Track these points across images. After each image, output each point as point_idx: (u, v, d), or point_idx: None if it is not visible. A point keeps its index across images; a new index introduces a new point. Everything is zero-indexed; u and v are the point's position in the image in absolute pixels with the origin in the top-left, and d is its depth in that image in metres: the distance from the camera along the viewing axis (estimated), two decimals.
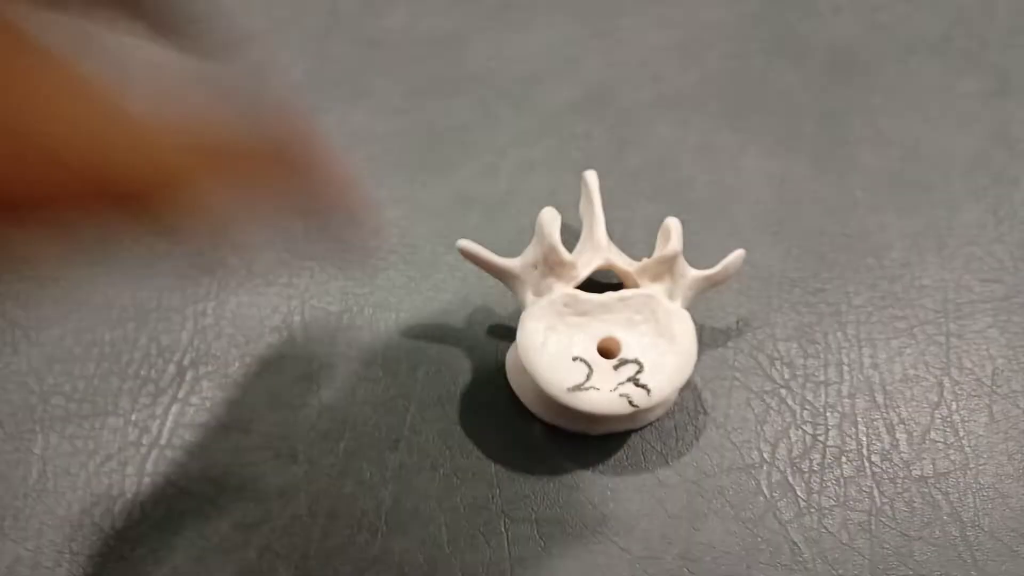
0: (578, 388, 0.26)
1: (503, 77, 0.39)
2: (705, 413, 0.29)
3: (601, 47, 0.40)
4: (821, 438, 0.29)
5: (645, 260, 0.28)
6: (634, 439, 0.29)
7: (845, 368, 0.30)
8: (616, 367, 0.26)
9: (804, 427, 0.29)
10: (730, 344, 0.31)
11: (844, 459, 0.28)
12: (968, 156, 0.36)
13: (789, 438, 0.29)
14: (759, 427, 0.29)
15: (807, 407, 0.29)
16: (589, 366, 0.26)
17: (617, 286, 0.29)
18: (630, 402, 0.25)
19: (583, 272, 0.28)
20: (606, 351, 0.27)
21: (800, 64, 0.39)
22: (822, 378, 0.30)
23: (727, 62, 0.40)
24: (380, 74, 0.39)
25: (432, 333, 0.31)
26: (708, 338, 0.31)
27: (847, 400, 0.29)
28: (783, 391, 0.29)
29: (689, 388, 0.30)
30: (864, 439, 0.29)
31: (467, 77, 0.39)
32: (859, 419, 0.29)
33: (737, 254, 0.28)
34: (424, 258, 0.33)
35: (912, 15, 0.41)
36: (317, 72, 0.40)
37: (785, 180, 0.35)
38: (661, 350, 0.26)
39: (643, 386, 0.26)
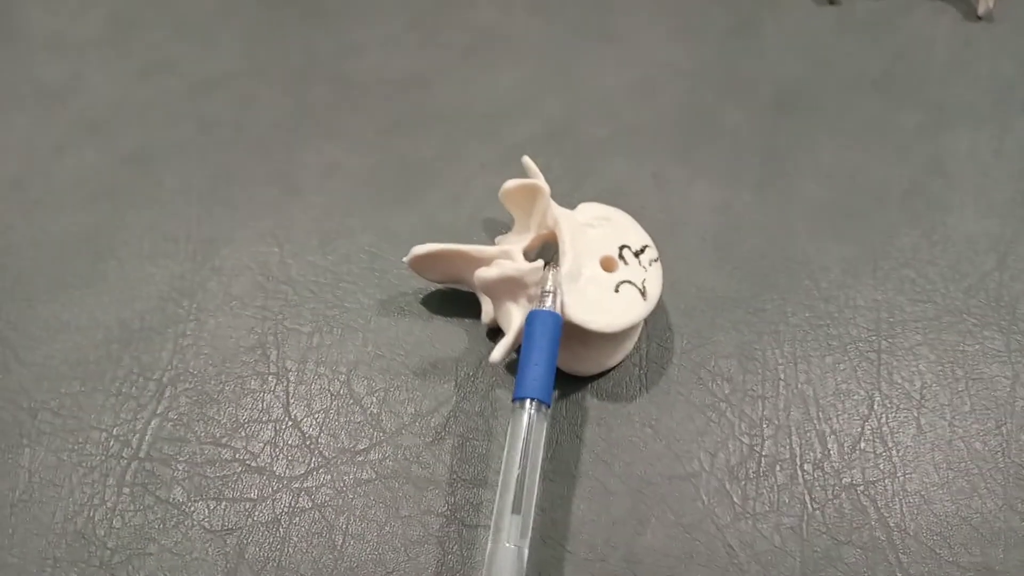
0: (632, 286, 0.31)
1: (469, 114, 0.42)
2: (650, 425, 0.31)
3: (562, 86, 0.43)
4: (757, 448, 0.31)
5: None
6: (583, 450, 0.31)
7: (781, 383, 0.32)
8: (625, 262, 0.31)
9: (741, 438, 0.31)
10: (675, 361, 0.33)
11: (778, 468, 0.30)
12: (904, 185, 0.38)
13: (727, 448, 0.31)
14: (699, 438, 0.31)
15: (744, 419, 0.31)
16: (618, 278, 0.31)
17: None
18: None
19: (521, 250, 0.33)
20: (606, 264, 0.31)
21: (748, 102, 0.42)
22: (759, 392, 0.32)
23: (680, 100, 0.42)
24: (354, 112, 0.42)
25: (399, 352, 0.33)
26: (655, 355, 0.33)
27: (782, 413, 0.31)
28: (722, 404, 0.32)
29: (632, 400, 0.32)
30: (797, 449, 0.30)
31: (435, 115, 0.42)
32: (793, 430, 0.31)
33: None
34: (391, 281, 0.35)
35: (855, 54, 0.44)
36: (296, 110, 0.42)
37: (730, 209, 0.38)
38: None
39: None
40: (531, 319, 0.29)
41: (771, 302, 0.34)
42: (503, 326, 0.31)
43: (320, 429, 0.31)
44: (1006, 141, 0.40)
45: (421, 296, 0.35)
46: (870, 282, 0.35)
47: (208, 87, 0.44)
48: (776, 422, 0.31)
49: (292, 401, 0.32)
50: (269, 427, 0.31)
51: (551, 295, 0.30)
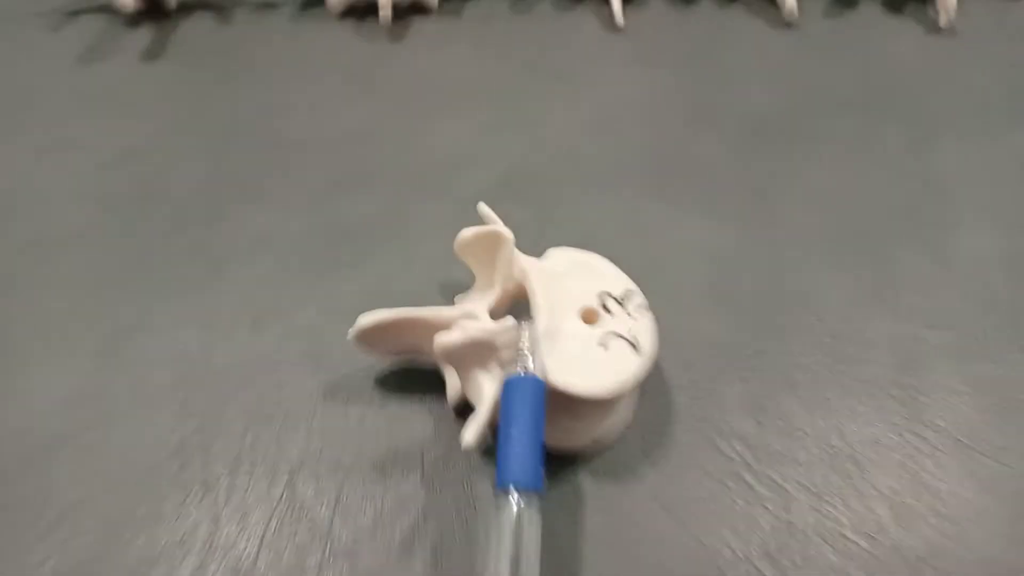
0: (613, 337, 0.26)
1: (413, 169, 0.37)
2: (660, 503, 0.26)
3: (514, 130, 0.39)
4: (794, 520, 0.25)
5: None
6: (583, 541, 0.25)
7: (806, 437, 0.27)
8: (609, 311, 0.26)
9: (771, 508, 0.26)
10: (678, 422, 0.28)
11: (825, 542, 0.25)
12: (899, 205, 0.35)
13: (757, 523, 0.25)
14: (721, 513, 0.26)
15: (771, 485, 0.26)
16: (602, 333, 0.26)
17: None
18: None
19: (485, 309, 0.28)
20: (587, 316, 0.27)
21: (718, 132, 0.39)
22: (782, 450, 0.27)
23: (645, 134, 0.39)
24: (283, 175, 0.37)
25: (351, 445, 0.28)
26: (648, 413, 0.28)
27: (815, 472, 0.26)
28: (742, 469, 0.27)
29: (635, 475, 0.26)
30: (844, 517, 0.25)
31: (375, 172, 0.37)
32: (832, 493, 0.26)
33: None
34: (337, 361, 0.30)
35: (822, 75, 0.41)
36: (215, 177, 0.38)
37: (716, 246, 0.34)
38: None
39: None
40: (508, 388, 0.24)
41: (776, 345, 0.30)
42: (473, 400, 0.26)
43: (259, 547, 0.25)
44: (996, 151, 0.37)
45: (374, 376, 0.30)
46: (879, 312, 0.31)
47: (115, 162, 0.39)
48: (810, 485, 0.26)
49: (223, 516, 0.26)
50: (195, 553, 0.25)
51: (528, 357, 0.25)
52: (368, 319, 0.27)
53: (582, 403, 0.25)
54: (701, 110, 0.40)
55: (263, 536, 0.26)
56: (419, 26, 0.44)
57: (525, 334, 0.25)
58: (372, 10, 0.45)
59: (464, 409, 0.28)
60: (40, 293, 0.33)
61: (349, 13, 0.45)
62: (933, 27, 0.43)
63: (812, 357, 0.30)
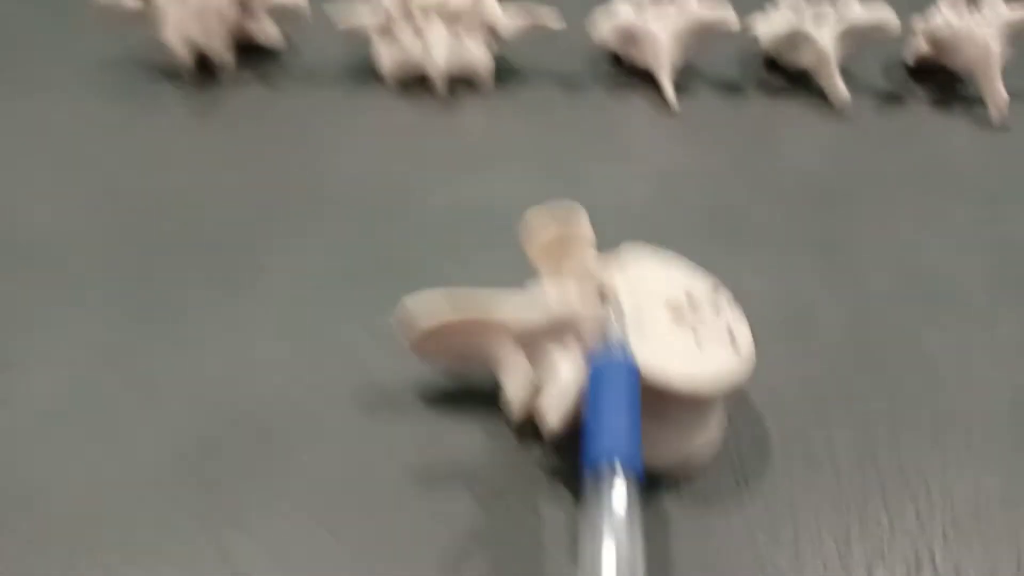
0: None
1: (463, 216, 0.35)
2: (767, 534, 0.22)
3: (568, 190, 0.37)
4: (926, 557, 0.21)
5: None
6: (669, 571, 0.21)
7: (931, 490, 0.23)
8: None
9: (905, 544, 0.21)
10: (778, 451, 0.24)
11: None
12: (981, 274, 0.33)
13: (892, 558, 0.21)
14: (842, 546, 0.21)
15: (900, 523, 0.22)
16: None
17: None
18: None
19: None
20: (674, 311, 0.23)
21: (779, 199, 0.37)
22: (905, 493, 0.23)
23: (704, 201, 0.37)
24: (323, 218, 0.35)
25: (392, 471, 0.24)
26: (748, 443, 0.24)
27: (946, 514, 0.22)
28: (861, 497, 0.22)
29: (736, 504, 0.22)
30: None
31: (422, 216, 0.35)
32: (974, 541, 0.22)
33: None
34: (378, 379, 0.26)
35: (880, 158, 0.41)
36: (257, 218, 0.35)
37: (795, 299, 0.31)
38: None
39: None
40: (598, 370, 0.21)
41: (879, 394, 0.27)
42: (547, 384, 0.22)
43: None
44: None
45: (418, 391, 0.26)
46: (988, 364, 0.28)
47: (156, 207, 0.37)
48: (944, 531, 0.22)
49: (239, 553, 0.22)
50: None
51: (615, 343, 0.21)
52: (428, 317, 0.24)
53: (673, 408, 0.22)
54: (759, 181, 0.38)
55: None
56: (472, 100, 0.44)
57: (613, 317, 0.22)
58: (424, 84, 0.45)
59: (526, 426, 0.24)
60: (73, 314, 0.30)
61: (402, 87, 0.45)
62: (984, 124, 0.43)
63: (922, 412, 0.26)
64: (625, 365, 0.20)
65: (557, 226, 0.25)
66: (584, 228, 0.25)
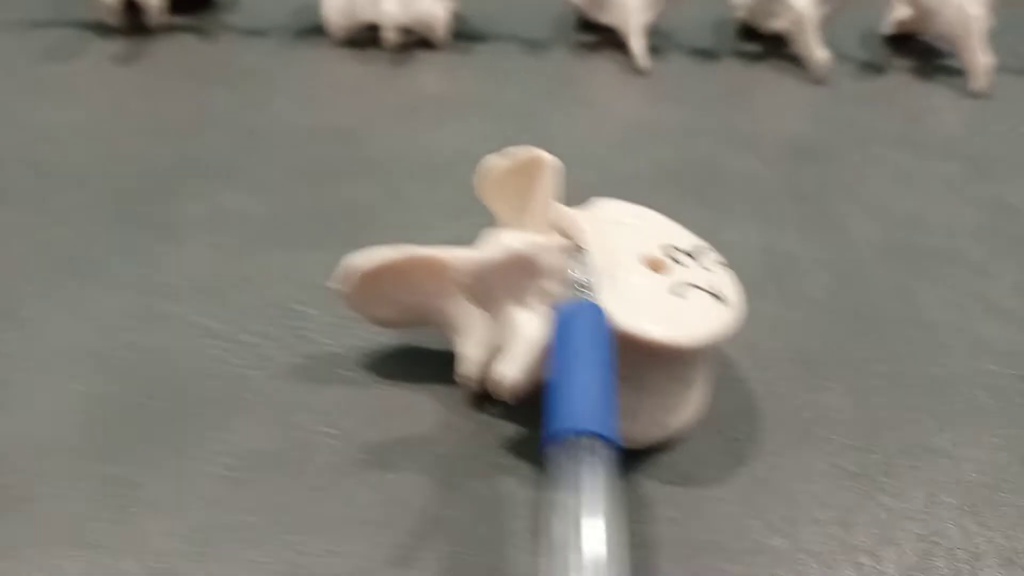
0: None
1: (409, 163, 0.32)
2: (757, 514, 0.19)
3: (531, 139, 0.34)
4: (937, 539, 0.18)
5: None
6: (661, 560, 0.18)
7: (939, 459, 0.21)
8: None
9: (909, 524, 0.19)
10: (771, 421, 0.21)
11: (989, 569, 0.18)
12: (972, 226, 0.31)
13: (895, 541, 0.18)
14: (842, 528, 0.19)
15: (906, 497, 0.19)
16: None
17: None
18: None
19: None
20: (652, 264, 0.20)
21: (756, 152, 0.35)
22: (907, 462, 0.20)
23: (676, 151, 0.34)
24: (258, 161, 0.32)
25: (336, 444, 0.20)
26: (735, 413, 0.21)
27: (957, 487, 0.20)
28: (860, 475, 0.20)
29: (726, 478, 0.19)
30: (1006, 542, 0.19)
31: (366, 163, 0.32)
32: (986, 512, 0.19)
33: None
34: (315, 340, 0.23)
35: (861, 119, 0.38)
36: (185, 159, 0.32)
37: (779, 250, 0.28)
38: None
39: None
40: (564, 319, 0.17)
41: (877, 353, 0.24)
42: (506, 345, 0.19)
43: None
44: None
45: (363, 354, 0.23)
46: (984, 321, 0.26)
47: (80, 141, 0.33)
48: (953, 502, 0.19)
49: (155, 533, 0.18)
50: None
51: (585, 287, 0.18)
52: (367, 259, 0.21)
53: (653, 373, 0.19)
54: (734, 135, 0.36)
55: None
56: (425, 56, 0.41)
57: (576, 263, 0.19)
58: (375, 42, 0.41)
59: (483, 393, 0.21)
60: None
61: (350, 44, 0.42)
62: (964, 91, 0.41)
63: (923, 372, 0.24)
64: (596, 317, 0.17)
65: (513, 160, 0.22)
66: (546, 171, 0.22)
